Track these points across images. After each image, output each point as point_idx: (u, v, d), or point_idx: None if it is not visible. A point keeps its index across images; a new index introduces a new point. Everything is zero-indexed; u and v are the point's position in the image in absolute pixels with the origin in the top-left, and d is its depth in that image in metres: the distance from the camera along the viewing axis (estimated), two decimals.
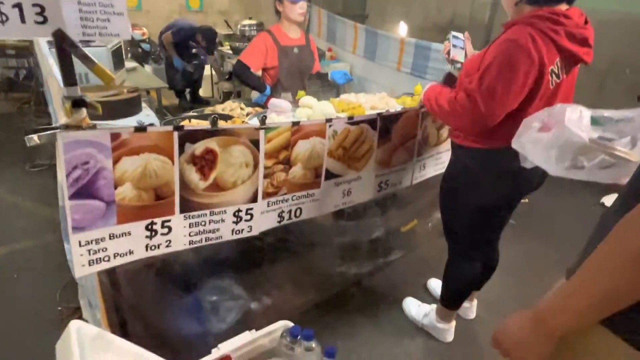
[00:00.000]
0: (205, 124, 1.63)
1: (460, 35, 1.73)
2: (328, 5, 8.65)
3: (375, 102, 2.11)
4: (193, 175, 1.29)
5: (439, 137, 2.12)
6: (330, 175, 1.69)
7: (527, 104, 1.37)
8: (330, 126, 1.59)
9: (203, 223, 1.38)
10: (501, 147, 1.48)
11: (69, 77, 1.01)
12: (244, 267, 2.05)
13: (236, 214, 1.44)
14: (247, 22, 5.21)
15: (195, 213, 1.35)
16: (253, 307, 1.99)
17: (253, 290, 2.02)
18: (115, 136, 1.11)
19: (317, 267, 2.28)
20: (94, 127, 1.07)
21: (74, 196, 1.08)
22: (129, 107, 2.87)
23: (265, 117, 1.40)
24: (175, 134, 1.21)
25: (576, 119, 1.33)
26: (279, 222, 1.61)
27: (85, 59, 1.00)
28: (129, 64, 3.84)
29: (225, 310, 1.87)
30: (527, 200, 3.35)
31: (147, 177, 1.20)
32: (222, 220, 1.42)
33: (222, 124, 1.58)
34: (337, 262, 2.33)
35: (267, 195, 1.51)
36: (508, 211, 1.71)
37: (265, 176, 1.47)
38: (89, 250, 1.16)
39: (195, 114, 1.93)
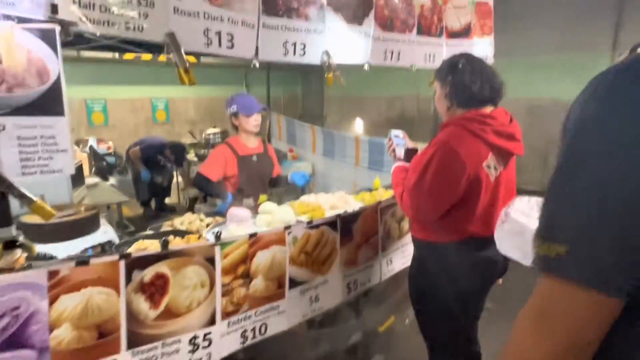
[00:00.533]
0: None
1: (399, 132, 1.86)
2: (289, 108, 9.34)
3: (334, 201, 2.15)
4: (142, 305, 1.19)
5: (400, 230, 2.13)
6: (294, 283, 1.62)
7: (472, 198, 1.43)
8: (289, 233, 1.57)
9: (154, 358, 1.24)
10: (457, 240, 1.50)
11: (3, 219, 0.96)
12: None
13: (192, 341, 1.32)
14: (211, 130, 5.45)
15: (145, 347, 1.21)
16: None
17: None
18: (53, 274, 1.03)
19: None
20: (28, 267, 1.00)
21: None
22: (86, 226, 2.77)
23: (220, 232, 1.36)
24: (122, 263, 1.15)
25: (526, 208, 1.39)
26: (243, 343, 1.48)
27: (23, 198, 0.97)
28: (91, 179, 3.82)
29: None
30: (501, 281, 3.34)
31: (88, 314, 1.10)
32: (177, 351, 1.28)
33: (176, 242, 1.52)
34: None
35: (226, 315, 1.41)
36: (478, 302, 1.66)
37: (223, 294, 1.39)
38: None
39: (151, 232, 1.88)
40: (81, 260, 1.07)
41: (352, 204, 2.17)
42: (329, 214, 2.01)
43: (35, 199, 0.99)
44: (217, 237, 1.35)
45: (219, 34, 1.33)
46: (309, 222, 1.66)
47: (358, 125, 8.25)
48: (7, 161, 0.95)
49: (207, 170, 2.31)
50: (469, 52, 1.56)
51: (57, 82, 1.01)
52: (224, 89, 7.64)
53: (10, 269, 0.96)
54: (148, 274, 1.20)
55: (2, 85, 0.92)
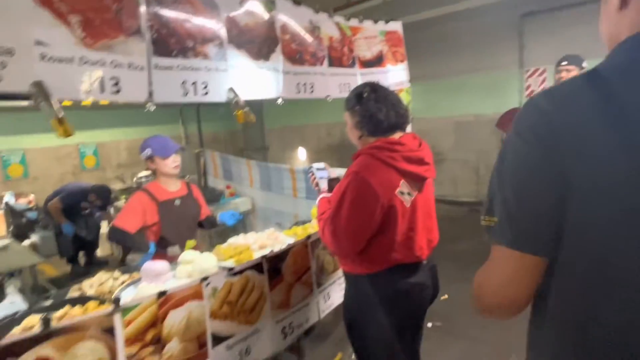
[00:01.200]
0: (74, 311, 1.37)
1: (321, 165, 1.83)
2: (230, 143, 9.19)
3: (263, 240, 2.04)
4: None
5: (335, 262, 2.07)
6: (218, 339, 1.47)
7: (390, 226, 1.40)
8: (207, 284, 1.44)
9: None
10: (382, 270, 1.45)
11: None
12: None
13: None
14: (143, 173, 5.16)
15: None
16: None
17: None
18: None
19: None
20: None
21: None
22: None
23: (119, 298, 1.21)
24: None
25: None
26: None
27: None
28: (0, 242, 3.40)
29: None
30: (446, 296, 3.37)
31: None
32: None
33: (72, 313, 1.34)
34: None
35: None
36: (414, 328, 1.61)
37: None
38: None
39: (49, 302, 1.64)
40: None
41: (282, 240, 2.08)
42: (258, 254, 1.90)
43: None
44: (115, 303, 1.19)
45: (101, 79, 1.21)
46: (230, 269, 1.54)
47: (301, 154, 8.29)
48: None
49: (123, 221, 2.11)
50: (373, 81, 1.57)
51: None
52: (158, 128, 7.37)
53: None
54: (27, 357, 1.02)
55: None
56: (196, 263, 1.70)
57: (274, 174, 3.64)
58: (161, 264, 1.70)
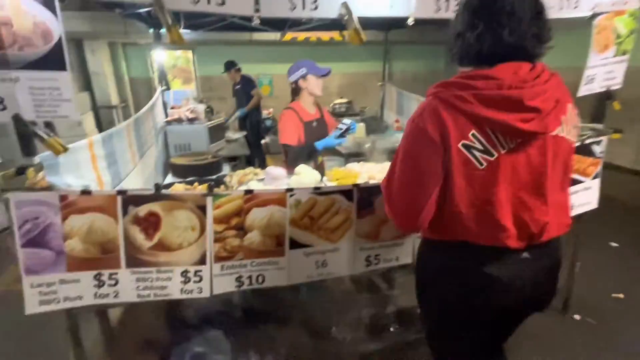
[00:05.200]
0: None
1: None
2: (430, 81, 8.36)
3: (375, 172, 1.78)
4: (137, 235, 1.23)
5: None
6: (296, 244, 1.43)
7: (448, 192, 0.93)
8: (291, 195, 1.37)
9: (150, 279, 1.28)
10: (447, 240, 1.02)
11: (27, 149, 1.09)
12: (241, 324, 1.86)
13: (184, 274, 1.31)
14: (338, 100, 5.36)
15: (142, 269, 1.27)
16: None
17: (244, 350, 1.79)
18: (63, 197, 1.14)
19: (322, 341, 1.91)
20: (48, 188, 1.12)
21: (25, 245, 1.13)
22: (210, 169, 3.13)
23: (213, 185, 1.27)
24: (119, 198, 1.19)
25: None
26: (239, 286, 1.41)
27: (36, 135, 1.08)
28: (236, 135, 4.27)
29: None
30: (621, 295, 2.33)
31: (93, 233, 1.19)
32: (170, 279, 1.30)
33: (178, 187, 1.51)
34: (346, 337, 1.92)
35: (220, 259, 1.34)
36: (492, 326, 1.10)
37: (216, 240, 1.32)
38: (40, 292, 1.18)
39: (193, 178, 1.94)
40: (85, 191, 1.15)
41: None
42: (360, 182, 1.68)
43: (46, 137, 1.09)
44: (210, 189, 1.27)
45: None
46: (317, 188, 1.41)
47: None
48: (25, 106, 1.06)
49: (289, 138, 2.17)
50: None
51: (59, 43, 1.06)
52: (364, 64, 7.39)
53: (32, 188, 1.10)
54: (142, 210, 1.22)
55: (15, 45, 1.01)
56: (302, 176, 1.65)
57: None
58: (279, 170, 1.73)
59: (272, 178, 1.72)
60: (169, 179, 3.02)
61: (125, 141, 2.13)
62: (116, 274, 1.25)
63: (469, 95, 0.87)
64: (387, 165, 1.92)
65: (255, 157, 4.64)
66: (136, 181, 2.21)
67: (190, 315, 1.84)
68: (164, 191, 1.22)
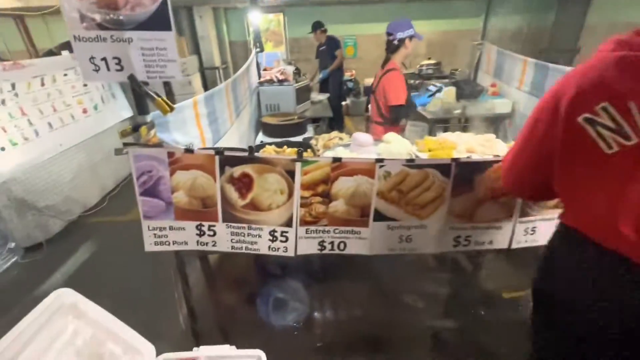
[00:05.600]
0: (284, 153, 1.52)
1: None
2: (532, 39, 6.93)
3: (474, 145, 1.47)
4: (232, 194, 1.21)
5: None
6: (381, 216, 1.28)
7: (567, 179, 0.64)
8: (381, 166, 1.20)
9: (242, 234, 1.28)
10: (570, 227, 0.75)
11: (141, 108, 1.10)
12: (319, 279, 1.84)
13: (272, 233, 1.28)
14: (425, 62, 4.75)
15: (236, 225, 1.26)
16: (315, 317, 1.76)
17: (322, 301, 1.79)
18: (170, 154, 1.15)
19: (395, 306, 1.81)
20: (158, 145, 1.14)
21: (142, 194, 1.19)
22: (296, 129, 3.09)
23: (303, 151, 1.16)
24: (217, 158, 1.16)
25: None
26: (320, 250, 1.34)
27: (147, 95, 1.07)
28: (320, 96, 4.12)
29: (287, 310, 1.73)
30: None
31: (195, 188, 1.21)
32: (259, 236, 1.28)
33: (268, 150, 1.43)
34: (419, 308, 1.78)
35: (305, 222, 1.27)
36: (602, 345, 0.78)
37: (302, 205, 1.24)
38: (155, 234, 1.26)
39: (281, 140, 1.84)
40: (188, 149, 1.15)
41: (498, 149, 1.43)
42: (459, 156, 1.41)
43: (156, 97, 1.08)
44: (299, 155, 1.16)
45: None
46: (410, 161, 1.20)
47: None
48: (137, 66, 1.04)
49: (401, 98, 2.01)
50: None
51: (164, 2, 0.99)
52: (455, 22, 6.38)
53: (146, 144, 1.13)
54: (237, 171, 1.18)
55: (127, 5, 0.97)
56: (391, 145, 1.44)
57: (551, 77, 2.48)
58: (366, 137, 1.54)
59: (358, 145, 1.56)
60: (260, 137, 3.07)
61: (224, 100, 2.15)
62: (214, 226, 1.27)
63: (620, 58, 0.57)
64: (489, 137, 1.58)
65: (336, 119, 4.47)
66: (232, 139, 2.26)
67: (276, 265, 1.89)
68: (256, 154, 1.16)
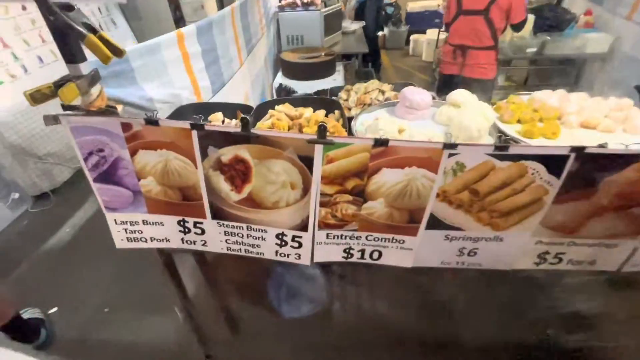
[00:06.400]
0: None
1: None
2: None
3: (599, 115, 0.94)
4: (222, 185, 0.83)
5: None
6: (437, 223, 0.87)
7: None
8: (451, 155, 0.75)
9: (240, 235, 0.93)
10: None
11: (67, 52, 0.68)
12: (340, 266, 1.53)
13: (280, 237, 0.92)
14: None
15: (230, 223, 0.91)
16: (333, 308, 1.50)
17: (344, 293, 1.50)
18: (126, 126, 0.76)
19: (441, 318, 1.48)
20: (103, 112, 0.74)
21: (97, 180, 0.84)
22: (322, 69, 2.53)
23: (324, 126, 0.72)
24: (194, 134, 0.75)
25: None
26: (346, 258, 0.98)
27: (71, 30, 0.64)
28: (354, 25, 3.39)
29: (301, 300, 1.46)
30: None
31: (169, 175, 0.83)
32: (263, 239, 0.93)
33: (280, 124, 1.00)
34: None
35: (326, 226, 0.89)
36: None
37: (322, 204, 0.85)
38: (125, 229, 0.94)
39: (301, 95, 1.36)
40: (150, 120, 0.74)
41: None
42: (570, 138, 0.91)
43: (87, 34, 0.65)
44: (322, 131, 0.73)
45: None
46: (501, 148, 0.74)
47: None
48: None
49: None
50: None
51: None
52: None
53: (87, 111, 0.73)
54: (226, 154, 0.78)
55: None
56: (461, 112, 0.95)
57: None
58: (422, 94, 1.04)
59: (408, 106, 1.07)
60: (279, 78, 2.55)
61: (229, 32, 1.63)
62: (201, 223, 0.92)
63: None
64: (623, 104, 1.02)
65: (372, 55, 3.73)
66: (241, 85, 1.79)
67: None
68: (254, 131, 0.73)
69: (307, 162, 0.77)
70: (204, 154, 0.78)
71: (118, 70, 0.87)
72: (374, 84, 1.35)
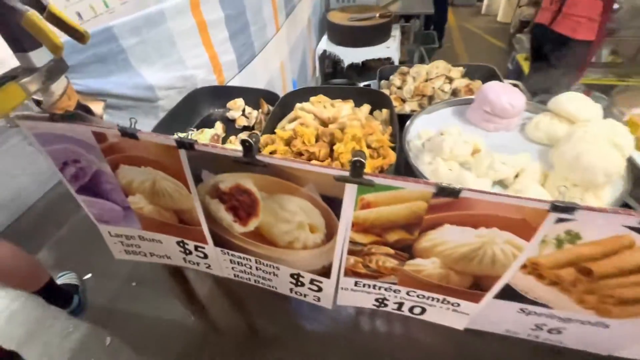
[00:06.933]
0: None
1: None
2: None
3: None
4: (223, 214, 0.64)
5: None
6: (513, 295, 0.61)
7: None
8: (560, 220, 0.47)
9: (249, 266, 0.76)
10: None
11: (7, 36, 0.49)
12: None
13: (295, 277, 0.73)
14: None
15: (236, 254, 0.73)
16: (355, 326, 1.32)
17: None
18: (100, 137, 0.57)
19: None
20: (68, 118, 0.56)
21: (80, 192, 0.69)
22: (374, 34, 2.14)
23: (361, 163, 0.47)
24: (183, 154, 0.55)
25: None
26: (378, 307, 0.77)
27: (1, 4, 0.44)
28: None
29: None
30: None
31: (159, 195, 0.65)
32: (276, 275, 0.75)
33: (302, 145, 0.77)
34: None
35: (355, 274, 0.68)
36: None
37: (352, 253, 0.62)
38: (121, 242, 0.81)
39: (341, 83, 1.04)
40: (126, 132, 0.54)
41: None
42: None
43: (25, 11, 0.44)
44: (357, 168, 0.48)
45: None
46: None
47: None
48: None
49: None
50: None
51: None
52: None
53: (50, 115, 0.56)
54: (225, 181, 0.58)
55: None
56: (575, 137, 0.62)
57: None
58: (512, 96, 0.71)
59: (489, 112, 0.75)
60: (324, 43, 2.22)
61: None
62: (203, 248, 0.76)
63: None
64: None
65: (438, 17, 3.11)
66: (277, 54, 1.53)
67: None
68: (260, 157, 0.51)
69: (334, 203, 0.54)
70: (198, 179, 0.59)
71: (103, 52, 0.67)
72: (438, 67, 1.01)
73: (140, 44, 0.74)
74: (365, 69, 2.30)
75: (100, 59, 0.68)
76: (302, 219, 0.58)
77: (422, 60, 2.66)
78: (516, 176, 0.68)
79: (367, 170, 0.48)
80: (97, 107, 0.64)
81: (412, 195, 0.50)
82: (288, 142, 0.73)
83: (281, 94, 0.91)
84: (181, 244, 0.78)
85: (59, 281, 1.65)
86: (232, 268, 0.79)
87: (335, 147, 0.67)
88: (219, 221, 0.66)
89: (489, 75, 1.05)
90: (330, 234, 0.59)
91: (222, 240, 0.71)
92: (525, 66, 2.46)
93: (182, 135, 0.87)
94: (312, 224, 0.59)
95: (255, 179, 0.55)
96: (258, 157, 0.51)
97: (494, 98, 0.73)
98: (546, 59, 1.62)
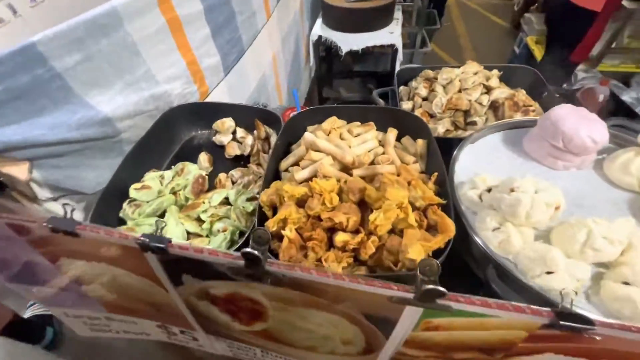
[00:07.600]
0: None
1: None
2: None
3: None
4: (216, 313, 0.46)
5: None
6: None
7: None
8: None
9: (253, 353, 0.59)
10: None
11: None
12: None
13: None
14: None
15: (235, 343, 0.56)
16: None
17: None
18: (21, 230, 0.37)
19: None
20: None
21: (12, 281, 0.49)
22: (375, 17, 1.90)
23: (438, 291, 0.29)
24: (152, 258, 0.36)
25: None
26: None
27: None
28: None
29: None
30: None
31: (124, 289, 0.47)
32: None
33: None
34: None
35: None
36: None
37: None
38: (84, 322, 0.63)
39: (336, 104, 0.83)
40: (57, 229, 0.35)
41: None
42: None
43: None
44: (427, 294, 0.30)
45: None
46: None
47: None
48: None
49: None
50: None
51: None
52: None
53: None
54: (218, 287, 0.39)
55: None
56: None
57: None
58: (595, 128, 0.54)
59: (562, 148, 0.57)
60: (318, 28, 1.95)
61: None
62: (191, 332, 0.58)
63: None
64: None
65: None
66: (268, 47, 1.30)
67: None
68: (278, 269, 0.32)
69: (382, 322, 0.37)
70: (177, 282, 0.40)
71: (24, 84, 0.44)
72: (472, 67, 0.80)
73: (86, 62, 0.51)
74: (364, 57, 2.07)
75: (19, 95, 0.46)
76: (330, 332, 0.41)
77: (423, 44, 2.42)
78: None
79: (419, 254, 0.31)
80: (19, 170, 0.44)
81: (509, 324, 0.33)
82: (301, 202, 0.53)
83: (274, 93, 0.72)
84: (162, 327, 0.60)
85: (27, 313, 1.46)
86: (230, 350, 0.62)
87: (371, 218, 0.47)
88: (212, 319, 0.48)
89: (531, 82, 0.86)
90: (370, 350, 0.42)
91: (214, 331, 0.53)
92: (537, 50, 2.26)
93: (156, 175, 0.66)
94: (346, 338, 0.41)
95: (264, 290, 0.37)
96: (270, 269, 0.33)
97: (569, 130, 0.55)
98: (563, 38, 1.43)
